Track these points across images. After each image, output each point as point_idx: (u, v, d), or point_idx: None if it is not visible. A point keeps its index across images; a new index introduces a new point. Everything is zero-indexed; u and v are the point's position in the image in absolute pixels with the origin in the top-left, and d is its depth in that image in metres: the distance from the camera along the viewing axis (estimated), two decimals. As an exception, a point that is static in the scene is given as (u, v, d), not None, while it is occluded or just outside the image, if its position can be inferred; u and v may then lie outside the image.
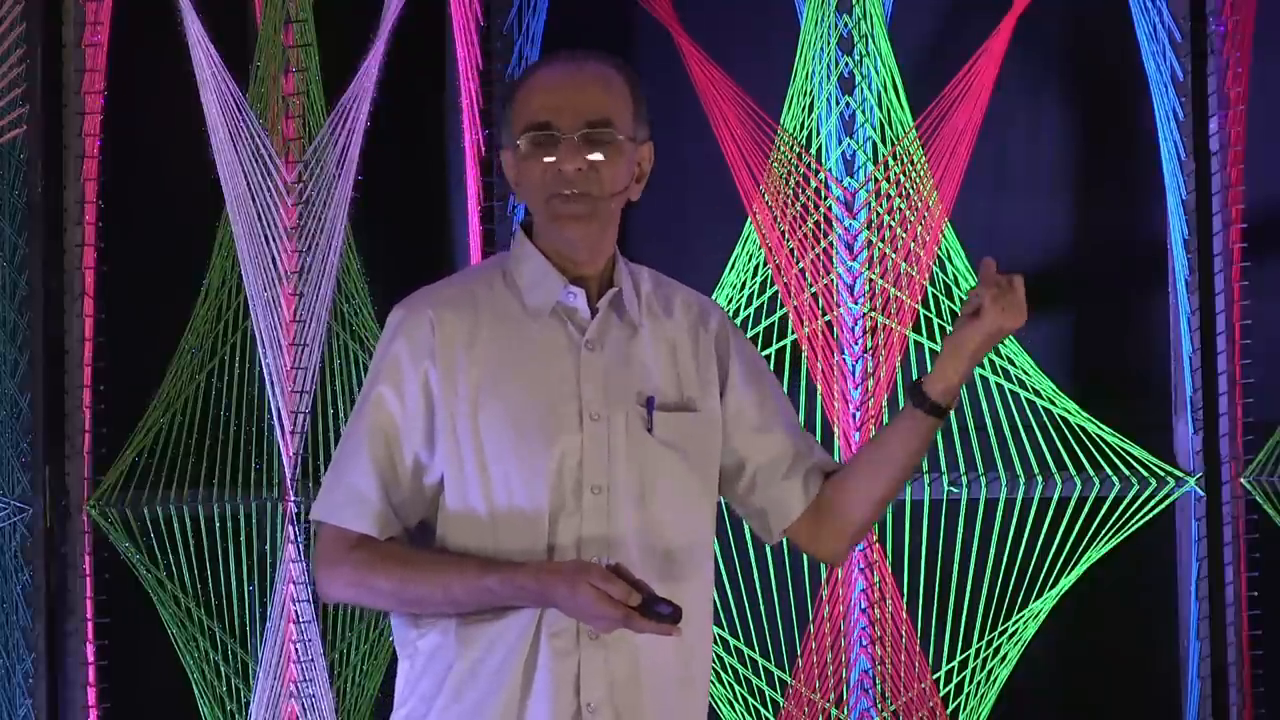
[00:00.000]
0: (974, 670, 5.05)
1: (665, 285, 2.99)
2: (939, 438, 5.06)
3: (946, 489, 5.06)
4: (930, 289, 5.05)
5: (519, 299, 2.88)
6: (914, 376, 5.06)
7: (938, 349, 5.01)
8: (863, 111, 5.07)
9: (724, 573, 4.99)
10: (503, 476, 2.81)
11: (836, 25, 5.06)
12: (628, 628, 2.67)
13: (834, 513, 2.98)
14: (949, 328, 5.04)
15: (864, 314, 5.04)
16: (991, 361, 5.03)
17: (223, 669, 5.18)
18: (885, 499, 2.98)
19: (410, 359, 2.84)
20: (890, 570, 5.03)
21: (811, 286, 5.05)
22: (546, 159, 2.83)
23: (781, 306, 5.05)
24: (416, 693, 2.86)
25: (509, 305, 2.88)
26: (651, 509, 2.85)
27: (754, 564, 5.04)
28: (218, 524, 5.18)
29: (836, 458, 5.03)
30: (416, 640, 2.86)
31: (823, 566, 5.02)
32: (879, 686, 5.02)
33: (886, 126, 5.07)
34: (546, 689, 2.79)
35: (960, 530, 5.05)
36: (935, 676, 5.04)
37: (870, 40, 5.04)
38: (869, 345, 5.04)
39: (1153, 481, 5.05)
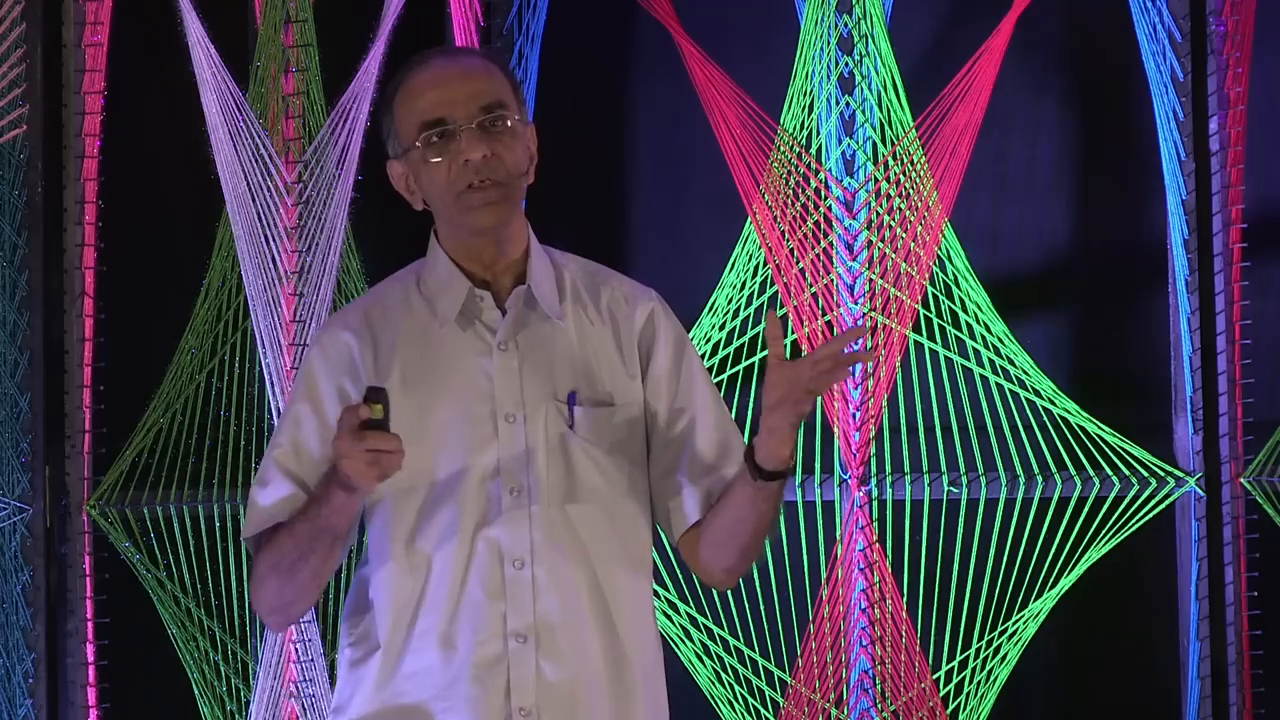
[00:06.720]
0: (974, 670, 5.05)
1: (596, 275, 2.94)
2: (939, 438, 5.06)
3: (946, 489, 5.05)
4: (930, 289, 5.04)
5: (430, 307, 2.87)
6: (913, 377, 5.07)
7: (938, 349, 5.05)
8: (863, 111, 5.06)
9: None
10: (422, 487, 2.80)
11: (836, 25, 5.06)
12: (369, 442, 2.59)
13: (710, 539, 2.89)
14: (949, 328, 5.04)
15: (864, 314, 5.04)
16: (991, 361, 5.03)
17: (223, 669, 5.18)
18: (751, 546, 2.86)
19: (327, 377, 2.85)
20: (890, 570, 5.03)
21: (811, 286, 5.05)
22: (448, 155, 2.80)
23: (781, 306, 5.05)
24: (353, 704, 2.85)
25: (421, 315, 2.87)
26: (576, 506, 2.82)
27: (753, 564, 5.03)
28: (218, 524, 5.18)
29: (836, 458, 5.04)
30: (346, 647, 2.89)
31: (823, 566, 5.02)
32: (879, 686, 5.02)
33: (886, 126, 5.06)
34: (477, 694, 2.79)
35: (960, 530, 5.05)
36: (935, 676, 5.04)
37: (870, 40, 5.04)
38: (869, 345, 5.03)
39: (1153, 481, 5.04)
